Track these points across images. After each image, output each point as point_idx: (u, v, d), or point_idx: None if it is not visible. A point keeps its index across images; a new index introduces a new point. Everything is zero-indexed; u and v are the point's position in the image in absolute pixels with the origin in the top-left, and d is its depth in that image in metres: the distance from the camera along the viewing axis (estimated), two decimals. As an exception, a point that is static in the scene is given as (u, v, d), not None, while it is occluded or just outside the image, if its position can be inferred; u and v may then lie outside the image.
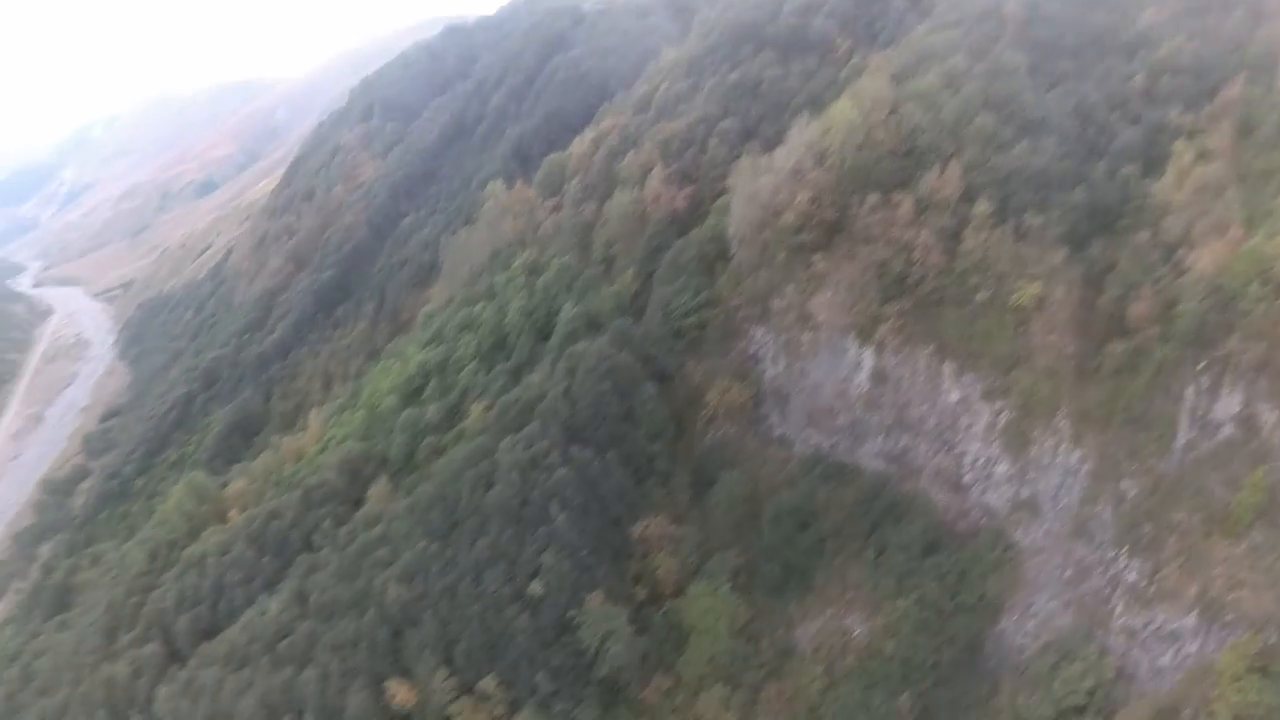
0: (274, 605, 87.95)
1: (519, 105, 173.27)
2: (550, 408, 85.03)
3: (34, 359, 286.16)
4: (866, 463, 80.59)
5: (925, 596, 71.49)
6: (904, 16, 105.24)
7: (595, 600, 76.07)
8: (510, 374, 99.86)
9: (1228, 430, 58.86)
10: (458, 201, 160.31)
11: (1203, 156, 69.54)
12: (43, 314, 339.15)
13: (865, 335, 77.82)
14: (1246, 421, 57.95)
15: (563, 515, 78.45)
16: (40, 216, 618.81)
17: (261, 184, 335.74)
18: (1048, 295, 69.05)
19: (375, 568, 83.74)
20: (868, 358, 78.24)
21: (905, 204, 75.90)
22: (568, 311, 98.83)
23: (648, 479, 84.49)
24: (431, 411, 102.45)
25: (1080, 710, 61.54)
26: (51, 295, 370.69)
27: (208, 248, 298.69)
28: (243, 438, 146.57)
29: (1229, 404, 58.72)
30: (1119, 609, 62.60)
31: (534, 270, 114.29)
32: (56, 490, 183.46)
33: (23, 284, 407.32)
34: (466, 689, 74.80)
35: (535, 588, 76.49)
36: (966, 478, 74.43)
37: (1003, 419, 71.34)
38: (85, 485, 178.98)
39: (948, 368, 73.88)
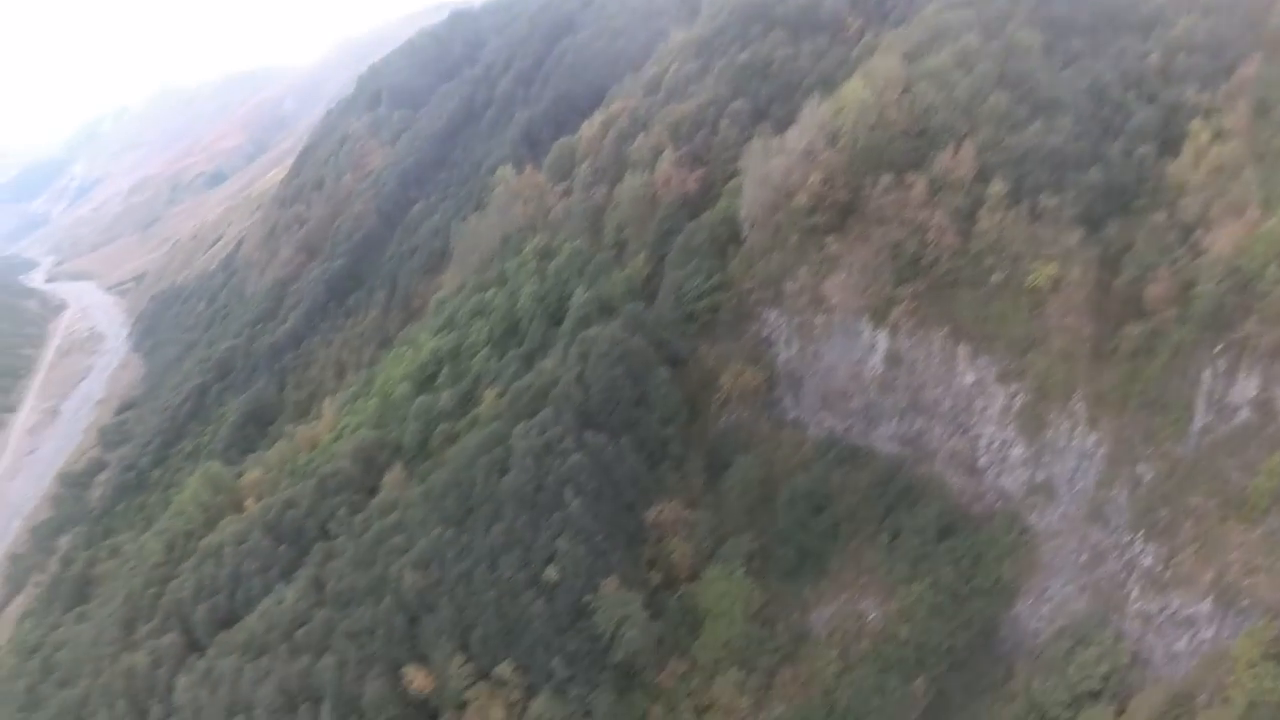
0: (291, 594, 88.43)
1: (527, 89, 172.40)
2: (563, 393, 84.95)
3: (48, 354, 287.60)
4: (881, 446, 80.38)
5: (940, 580, 71.49)
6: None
7: (610, 585, 76.17)
8: (523, 360, 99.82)
9: (1245, 414, 58.43)
10: (467, 187, 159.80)
11: (1219, 136, 68.83)
12: (56, 309, 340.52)
13: (879, 317, 77.36)
14: (1264, 405, 57.53)
15: (577, 501, 78.50)
16: (51, 212, 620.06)
17: (271, 174, 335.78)
18: (1063, 276, 68.48)
19: (391, 555, 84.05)
20: (882, 340, 77.83)
21: (919, 185, 75.30)
22: (579, 296, 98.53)
23: (661, 464, 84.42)
24: (445, 398, 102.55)
25: (1095, 695, 61.53)
26: (64, 290, 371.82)
27: (219, 239, 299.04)
28: (257, 427, 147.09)
29: (1246, 387, 58.25)
30: (1134, 594, 62.46)
31: (545, 255, 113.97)
32: (74, 483, 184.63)
33: (35, 279, 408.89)
34: (483, 674, 75.21)
35: (550, 573, 76.66)
36: (981, 461, 74.21)
37: (1018, 402, 70.99)
38: (102, 478, 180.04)
39: (962, 350, 73.46)
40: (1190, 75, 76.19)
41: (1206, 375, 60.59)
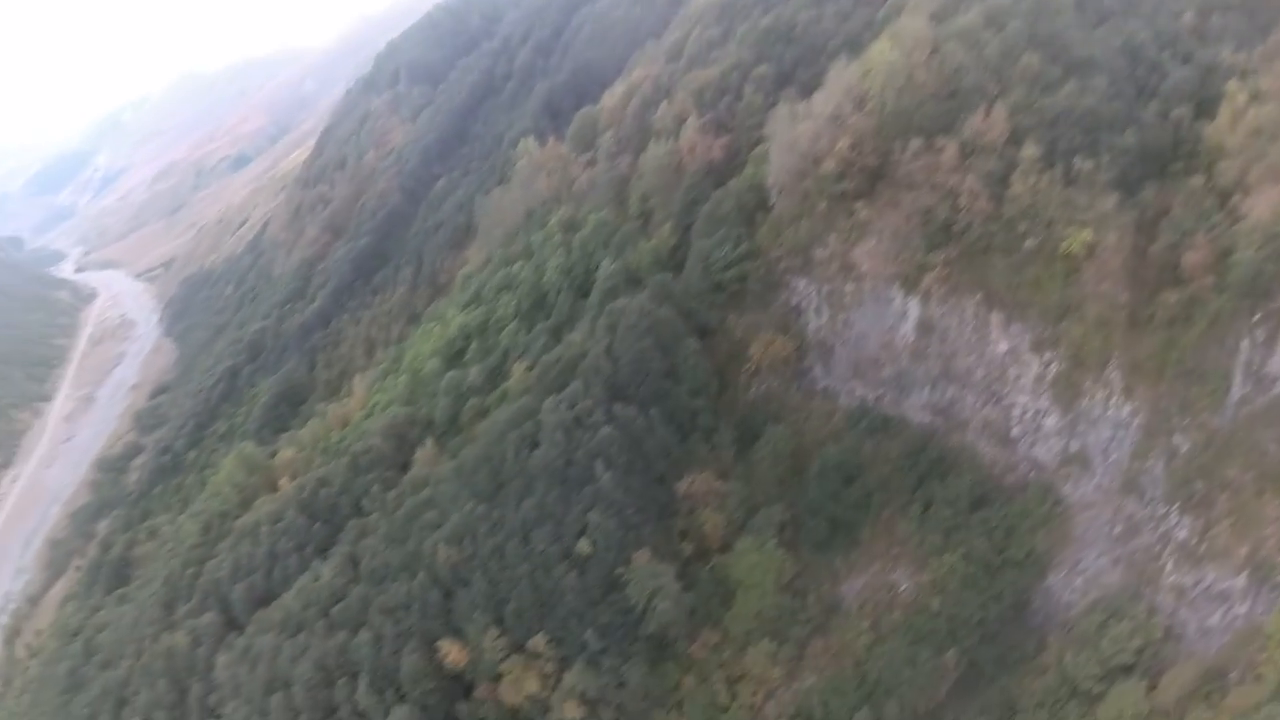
0: (326, 571, 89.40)
1: (547, 60, 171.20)
2: (592, 366, 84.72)
3: (81, 342, 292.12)
4: (913, 415, 79.64)
5: (972, 552, 71.03)
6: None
7: (642, 557, 76.41)
8: (551, 333, 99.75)
9: (1284, 385, 57.04)
10: (490, 161, 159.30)
11: (1256, 98, 66.41)
12: (87, 298, 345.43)
13: (910, 285, 76.21)
14: (1304, 376, 56.18)
15: (608, 474, 78.57)
16: (77, 203, 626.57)
17: (294, 155, 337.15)
18: (1099, 242, 66.65)
19: (424, 530, 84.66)
20: (913, 308, 76.80)
21: (949, 148, 73.67)
22: (606, 268, 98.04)
23: (692, 435, 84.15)
24: (474, 373, 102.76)
25: (1128, 670, 61.04)
26: (94, 279, 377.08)
27: (245, 221, 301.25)
28: (289, 407, 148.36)
29: (1286, 358, 56.87)
30: (1169, 567, 61.69)
31: (570, 227, 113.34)
32: (111, 468, 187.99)
33: (65, 270, 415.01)
34: (517, 647, 75.91)
35: (582, 546, 76.98)
36: (1015, 430, 73.32)
37: (1052, 370, 69.85)
38: (138, 461, 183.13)
39: (995, 317, 72.29)
40: (1226, 35, 74.16)
41: (1245, 345, 59.20)
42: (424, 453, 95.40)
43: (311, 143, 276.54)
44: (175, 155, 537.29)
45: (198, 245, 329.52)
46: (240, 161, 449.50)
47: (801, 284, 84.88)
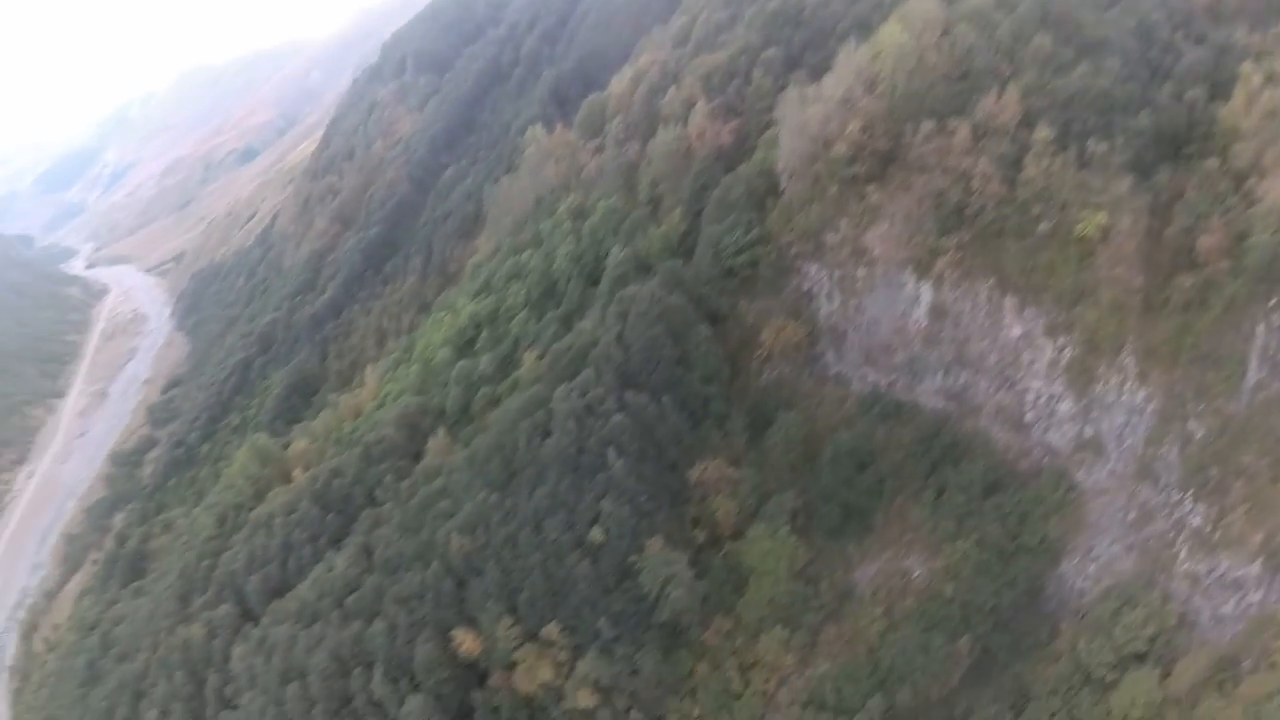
0: (341, 561, 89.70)
1: (553, 47, 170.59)
2: (603, 354, 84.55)
3: (93, 338, 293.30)
4: (926, 401, 79.28)
5: (985, 538, 70.79)
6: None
7: (655, 545, 76.41)
8: (561, 321, 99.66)
9: (1300, 371, 56.55)
10: (498, 149, 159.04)
11: (1271, 79, 65.78)
12: (98, 294, 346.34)
13: (923, 269, 75.74)
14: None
15: (620, 461, 78.46)
16: (86, 200, 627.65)
17: (302, 147, 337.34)
18: (1113, 226, 66.07)
19: (437, 520, 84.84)
20: (926, 292, 76.33)
21: (961, 131, 73.03)
22: (616, 255, 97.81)
23: (704, 422, 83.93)
24: (485, 362, 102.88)
25: (1141, 657, 61.00)
26: (105, 275, 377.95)
27: (254, 214, 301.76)
28: (302, 398, 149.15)
29: (1302, 343, 56.33)
30: (1183, 554, 61.49)
31: (579, 214, 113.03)
32: (125, 462, 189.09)
33: (76, 266, 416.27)
34: (530, 636, 76.11)
35: (595, 534, 77.00)
36: (1028, 416, 72.94)
37: (1066, 355, 69.39)
38: (152, 455, 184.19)
39: (1009, 302, 71.78)
40: (1240, 15, 73.39)
41: (1260, 330, 58.77)
42: (436, 442, 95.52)
43: (319, 134, 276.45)
44: (183, 150, 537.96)
45: (207, 239, 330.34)
46: (248, 155, 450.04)
47: (813, 269, 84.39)
